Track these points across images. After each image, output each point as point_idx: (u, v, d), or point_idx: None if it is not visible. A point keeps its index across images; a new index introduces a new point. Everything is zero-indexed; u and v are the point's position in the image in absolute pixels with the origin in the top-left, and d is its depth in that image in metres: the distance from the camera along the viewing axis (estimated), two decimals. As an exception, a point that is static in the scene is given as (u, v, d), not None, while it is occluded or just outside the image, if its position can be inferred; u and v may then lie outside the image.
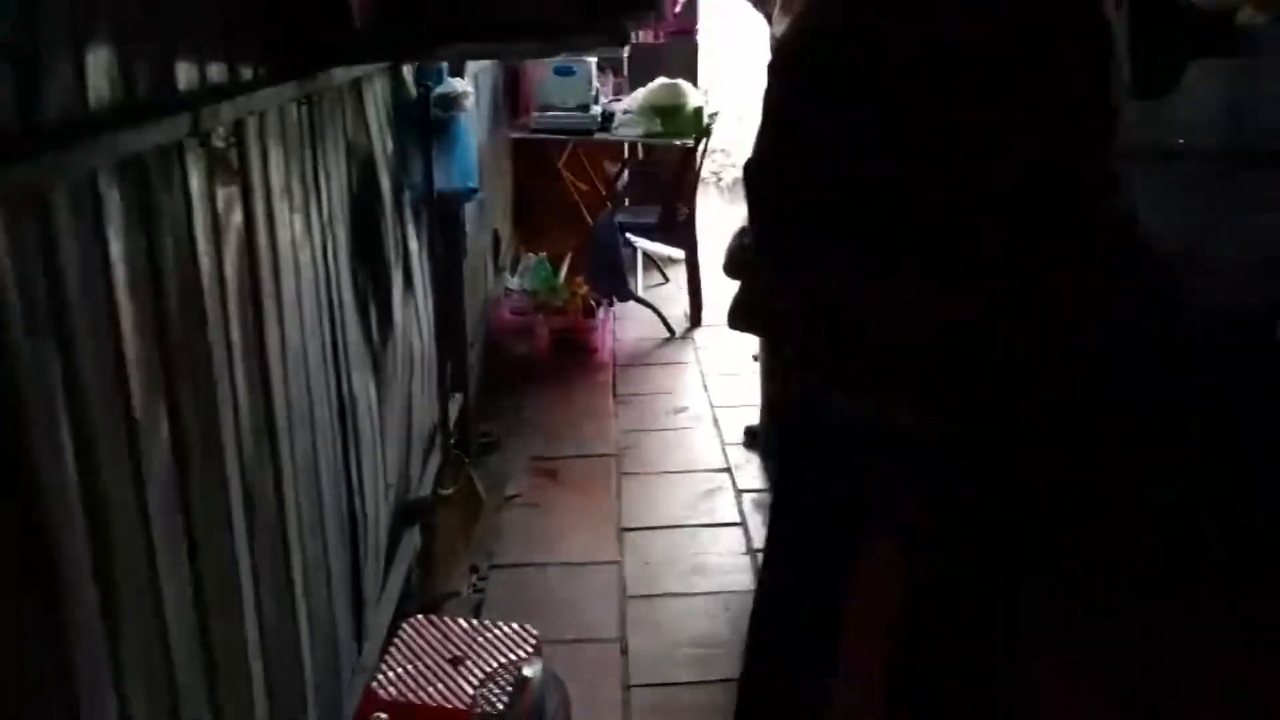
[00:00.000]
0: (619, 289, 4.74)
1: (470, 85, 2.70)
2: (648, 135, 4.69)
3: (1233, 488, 2.93)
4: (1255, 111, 3.34)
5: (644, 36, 5.60)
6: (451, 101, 2.58)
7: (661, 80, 4.88)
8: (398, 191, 2.42)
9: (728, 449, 3.64)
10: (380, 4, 1.67)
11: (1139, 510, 2.89)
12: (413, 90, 2.52)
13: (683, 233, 5.04)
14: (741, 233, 4.06)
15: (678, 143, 4.74)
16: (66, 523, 0.93)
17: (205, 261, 1.25)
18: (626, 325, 4.94)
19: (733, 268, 4.01)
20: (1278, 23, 3.15)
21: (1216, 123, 3.35)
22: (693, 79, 5.34)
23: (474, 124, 3.52)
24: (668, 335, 4.82)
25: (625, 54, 6.19)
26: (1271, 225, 3.37)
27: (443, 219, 3.19)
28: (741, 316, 3.39)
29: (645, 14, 1.62)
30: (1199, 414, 3.01)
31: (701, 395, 4.13)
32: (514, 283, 4.83)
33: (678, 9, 5.68)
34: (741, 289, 3.21)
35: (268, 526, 1.49)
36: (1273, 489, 2.89)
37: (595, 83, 5.05)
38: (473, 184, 2.81)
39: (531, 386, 4.18)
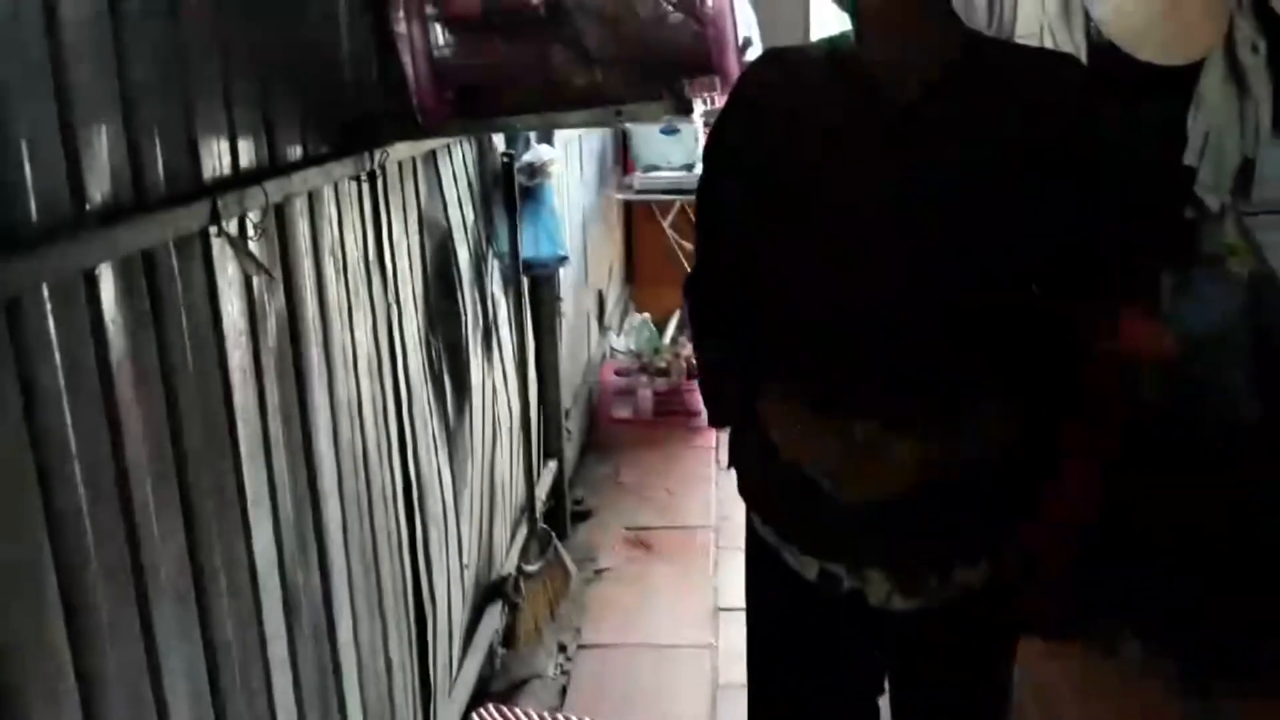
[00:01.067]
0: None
1: (561, 152, 2.65)
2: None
3: None
4: None
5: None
6: (538, 169, 2.53)
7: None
8: (479, 261, 2.37)
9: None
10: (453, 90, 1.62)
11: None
12: (498, 159, 2.48)
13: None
14: None
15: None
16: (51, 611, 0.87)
17: (237, 353, 1.20)
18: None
19: None
20: None
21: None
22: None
23: (568, 190, 3.49)
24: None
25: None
26: None
27: (533, 286, 3.16)
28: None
29: (705, 76, 1.53)
30: None
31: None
32: (619, 343, 4.77)
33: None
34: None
35: (311, 624, 1.42)
36: None
37: (701, 141, 4.99)
38: (562, 251, 2.74)
39: (631, 452, 4.08)
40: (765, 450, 1.30)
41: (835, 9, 1.19)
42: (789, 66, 1.28)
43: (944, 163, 1.17)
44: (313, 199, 1.45)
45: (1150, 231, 2.98)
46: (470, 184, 2.32)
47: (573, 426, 3.61)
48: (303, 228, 1.42)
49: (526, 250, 2.61)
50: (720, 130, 1.32)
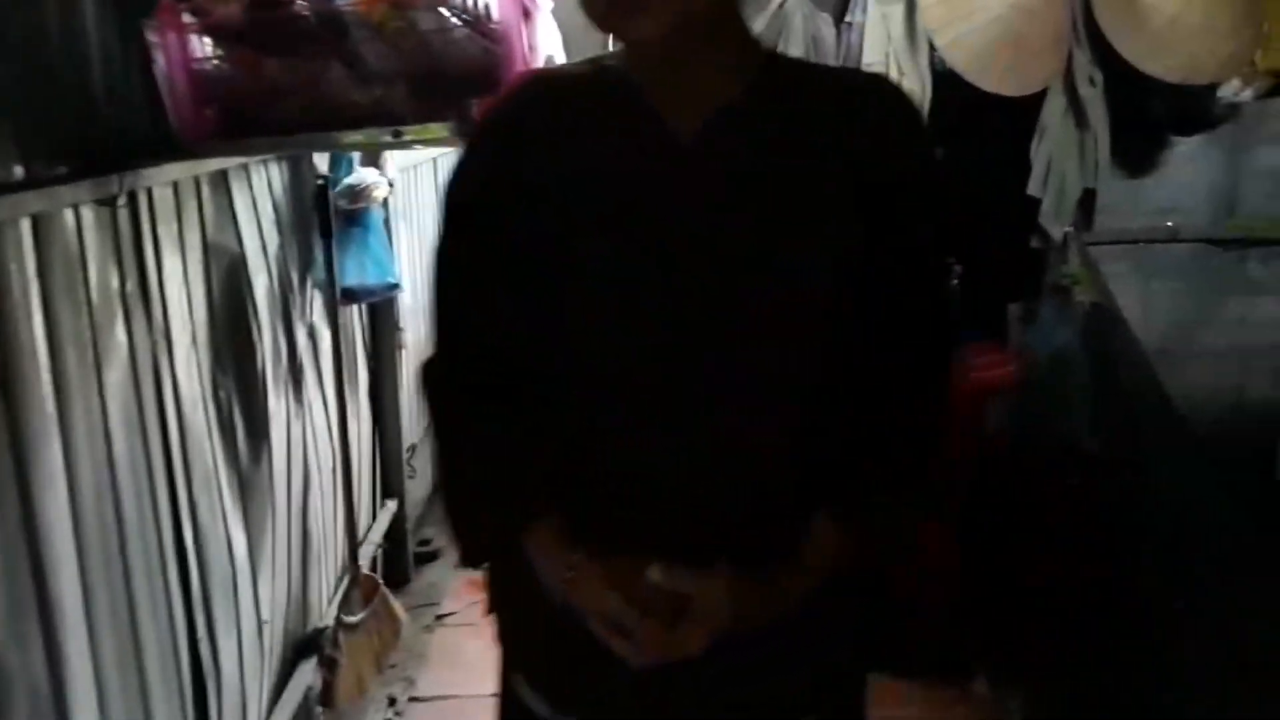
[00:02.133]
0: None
1: (401, 176, 2.50)
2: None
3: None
4: (1243, 191, 3.12)
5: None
6: (360, 194, 2.38)
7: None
8: (287, 291, 2.20)
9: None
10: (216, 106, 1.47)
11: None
12: (314, 182, 2.32)
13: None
14: None
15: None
16: None
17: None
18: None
19: None
20: (1264, 99, 2.93)
21: (1205, 204, 3.13)
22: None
23: (416, 214, 3.34)
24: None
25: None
26: (1265, 311, 3.13)
27: (372, 316, 3.00)
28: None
29: (495, 95, 1.39)
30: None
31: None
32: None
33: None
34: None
35: (29, 713, 1.24)
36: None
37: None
38: (392, 279, 2.59)
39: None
40: (533, 595, 1.05)
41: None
42: (553, 92, 1.07)
43: (741, 206, 1.00)
44: (40, 226, 1.28)
45: (996, 261, 2.97)
46: (277, 208, 2.15)
47: (422, 462, 3.44)
48: (26, 260, 1.25)
49: (350, 278, 2.45)
50: (468, 170, 1.09)
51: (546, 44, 1.79)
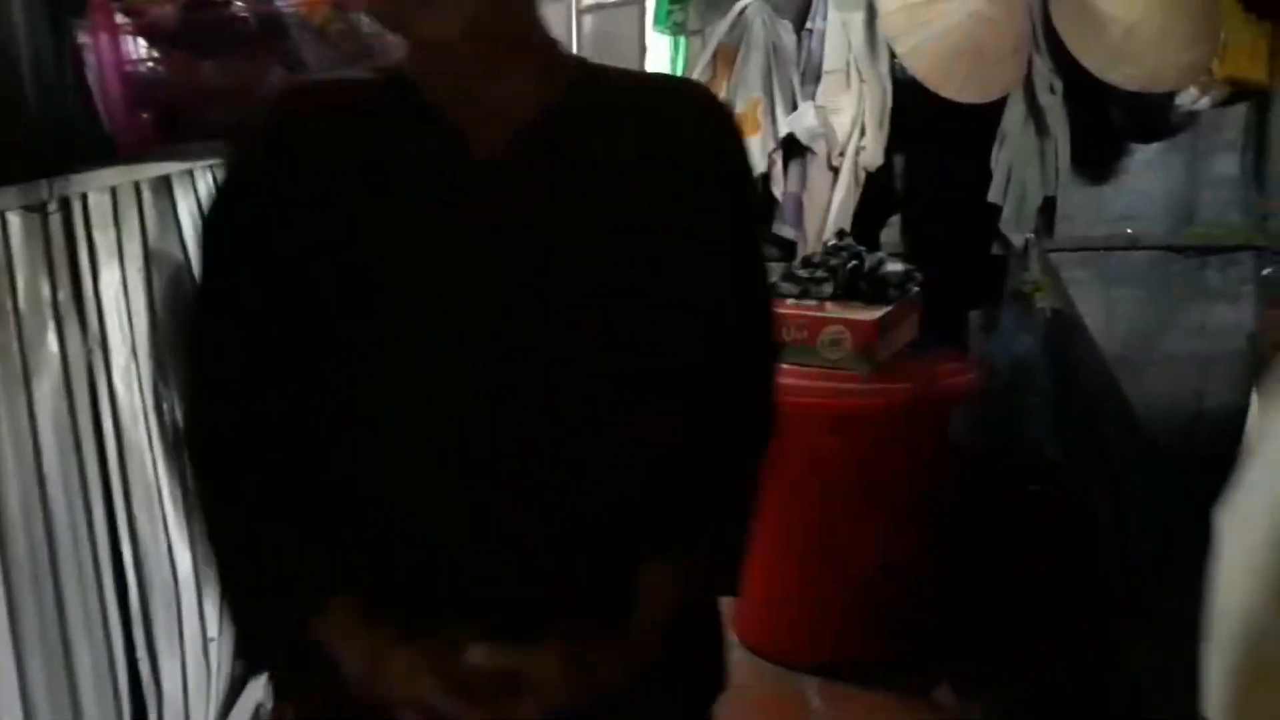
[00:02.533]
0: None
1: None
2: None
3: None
4: (1202, 198, 3.14)
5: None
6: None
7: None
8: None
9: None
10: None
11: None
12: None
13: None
14: None
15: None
16: None
17: None
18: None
19: None
20: (1222, 106, 2.95)
21: (1164, 211, 3.14)
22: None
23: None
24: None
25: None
26: (1224, 318, 3.15)
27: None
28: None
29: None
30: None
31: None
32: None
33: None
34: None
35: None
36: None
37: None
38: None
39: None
40: (336, 689, 0.90)
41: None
42: (323, 107, 0.92)
43: (555, 230, 0.89)
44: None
45: (957, 269, 2.97)
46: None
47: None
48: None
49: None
50: (232, 198, 0.94)
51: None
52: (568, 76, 0.93)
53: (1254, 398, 3.12)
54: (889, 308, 2.55)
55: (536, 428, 0.89)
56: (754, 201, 1.07)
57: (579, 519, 0.92)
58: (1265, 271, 3.06)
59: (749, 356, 1.05)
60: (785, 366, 2.55)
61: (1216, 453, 2.91)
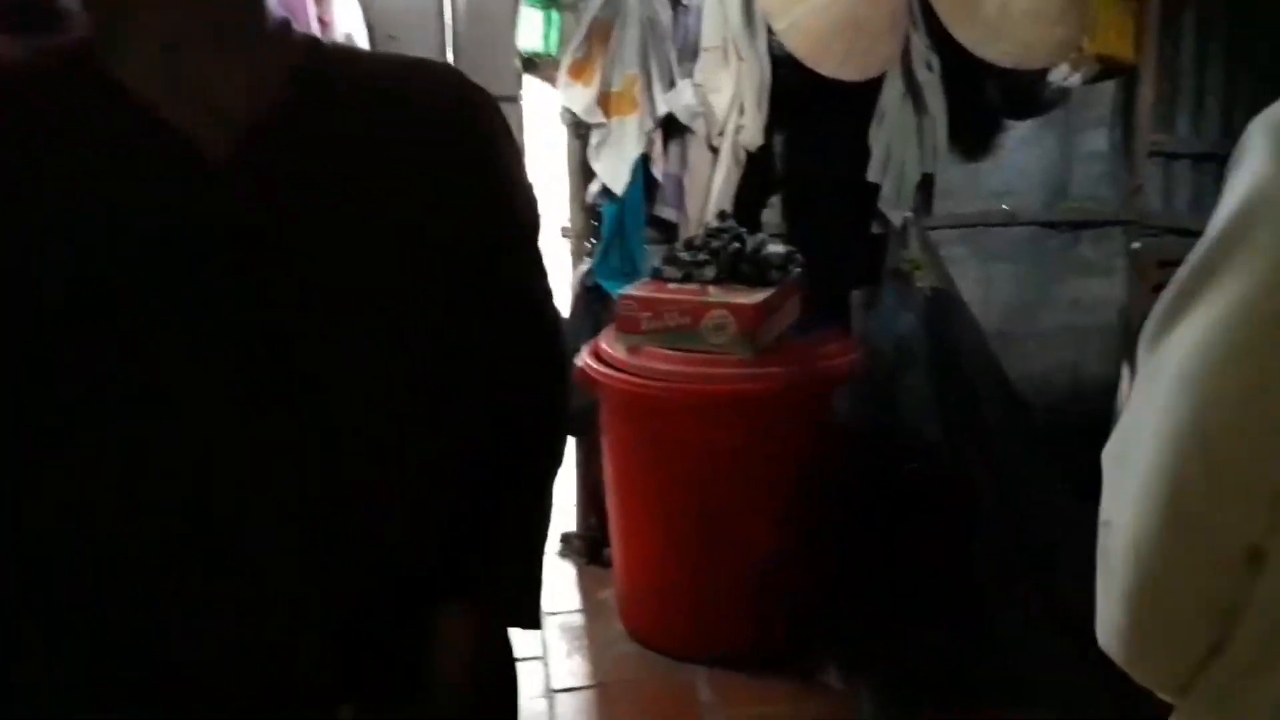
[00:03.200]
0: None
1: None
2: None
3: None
4: (1074, 174, 3.18)
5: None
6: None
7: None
8: None
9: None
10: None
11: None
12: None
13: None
14: None
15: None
16: None
17: None
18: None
19: None
20: (1092, 83, 2.98)
21: (1039, 187, 3.17)
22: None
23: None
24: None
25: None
26: (1097, 292, 3.21)
27: None
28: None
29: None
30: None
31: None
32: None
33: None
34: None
35: None
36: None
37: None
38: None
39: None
40: None
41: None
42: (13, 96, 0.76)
43: (301, 241, 0.78)
44: None
45: (837, 248, 2.95)
46: None
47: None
48: None
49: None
50: None
51: (344, 19, 1.64)
52: (298, 61, 0.82)
53: (1124, 369, 3.22)
54: (771, 290, 2.51)
55: (283, 472, 0.78)
56: (526, 203, 0.95)
57: (342, 571, 0.80)
58: (1134, 245, 3.12)
59: (528, 372, 0.97)
60: (669, 352, 2.53)
61: (1091, 422, 2.98)
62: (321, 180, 0.79)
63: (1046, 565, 2.75)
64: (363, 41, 1.92)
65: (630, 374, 2.48)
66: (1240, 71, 3.00)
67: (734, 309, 2.42)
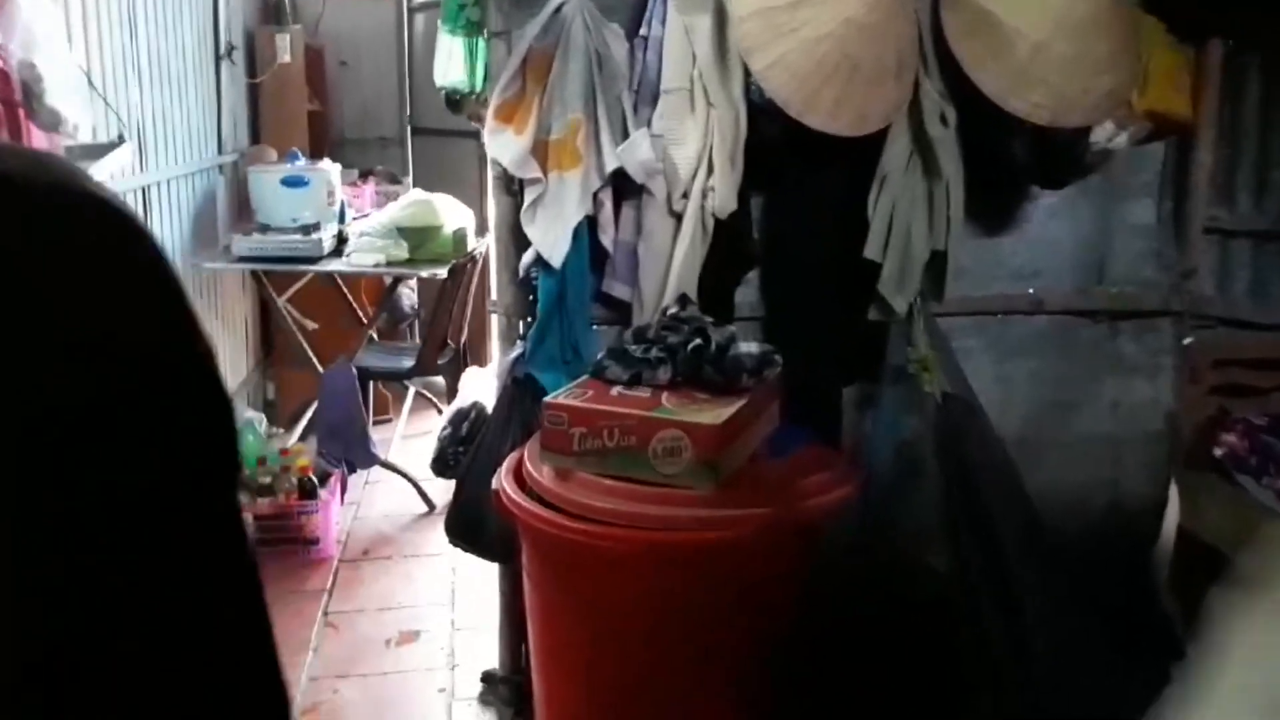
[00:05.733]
0: (356, 451, 3.76)
1: None
2: (388, 264, 3.74)
3: None
4: (1115, 252, 2.63)
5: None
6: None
7: (411, 196, 3.99)
8: None
9: (455, 709, 2.65)
10: None
11: None
12: None
13: (449, 375, 4.13)
14: (457, 419, 3.15)
15: (423, 274, 3.84)
16: None
17: None
18: (376, 496, 3.95)
19: (441, 466, 3.10)
20: (1140, 145, 2.44)
21: (1072, 268, 2.62)
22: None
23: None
24: (425, 510, 3.84)
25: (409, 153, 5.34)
26: (1141, 394, 2.65)
27: None
28: (456, 532, 2.46)
29: None
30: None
31: (444, 612, 3.13)
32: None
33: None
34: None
35: None
36: None
37: (339, 195, 4.13)
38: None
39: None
40: None
41: None
42: None
43: None
44: None
45: (826, 340, 2.39)
46: None
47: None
48: None
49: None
50: None
51: (40, 33, 1.08)
52: None
53: (1173, 489, 2.65)
54: (740, 403, 1.94)
55: None
56: (203, 410, 0.48)
57: None
58: (1186, 340, 2.57)
59: None
60: (608, 481, 1.96)
61: (1132, 552, 2.42)
62: None
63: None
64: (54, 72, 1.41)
65: (556, 508, 1.90)
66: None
67: (690, 429, 1.85)
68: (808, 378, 2.30)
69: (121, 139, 2.05)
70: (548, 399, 1.99)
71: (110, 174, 1.99)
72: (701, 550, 1.86)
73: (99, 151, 1.86)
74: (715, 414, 1.88)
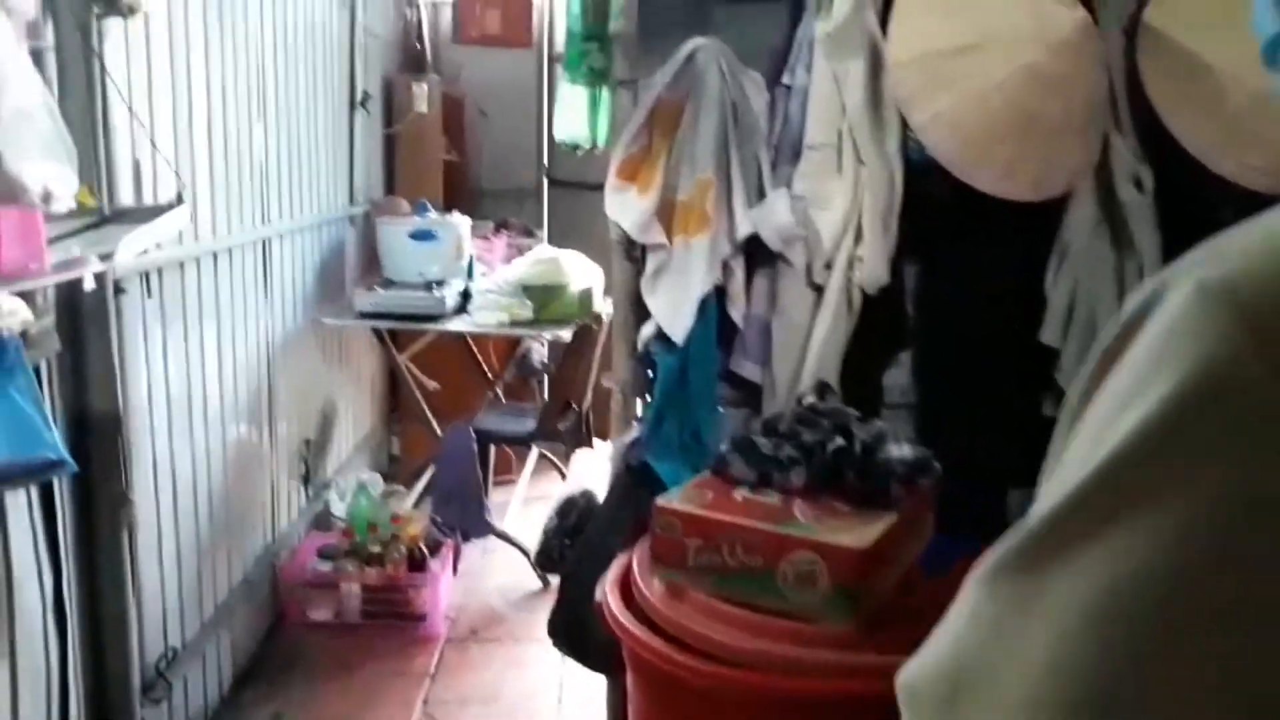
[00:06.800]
0: (470, 519, 3.56)
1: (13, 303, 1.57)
2: (511, 323, 3.55)
3: None
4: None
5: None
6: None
7: (539, 253, 3.81)
8: None
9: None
10: None
11: None
12: None
13: (571, 440, 3.91)
14: (564, 509, 2.89)
15: (548, 335, 3.64)
16: None
17: None
18: (492, 566, 3.74)
19: (546, 559, 2.84)
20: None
21: None
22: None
23: (165, 327, 2.44)
24: (540, 586, 3.61)
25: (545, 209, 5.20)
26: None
27: (83, 488, 2.07)
28: (558, 634, 2.21)
29: None
30: None
31: (550, 714, 2.87)
32: (339, 508, 3.66)
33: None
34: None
35: None
36: None
37: (468, 249, 3.98)
38: (49, 454, 1.65)
39: (319, 680, 2.95)
40: None
41: None
42: None
43: None
44: None
45: (993, 435, 2.05)
46: None
47: (185, 671, 2.49)
48: None
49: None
50: None
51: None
52: None
53: None
54: (889, 519, 1.63)
55: None
56: None
57: None
58: None
59: None
60: (726, 607, 1.67)
61: None
62: None
63: None
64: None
65: (663, 634, 1.62)
66: None
67: (828, 552, 1.55)
68: (968, 478, 1.96)
69: (180, 199, 1.89)
70: (659, 500, 1.72)
71: (158, 242, 1.81)
72: (837, 705, 1.54)
73: (143, 215, 1.69)
74: (859, 534, 1.57)
